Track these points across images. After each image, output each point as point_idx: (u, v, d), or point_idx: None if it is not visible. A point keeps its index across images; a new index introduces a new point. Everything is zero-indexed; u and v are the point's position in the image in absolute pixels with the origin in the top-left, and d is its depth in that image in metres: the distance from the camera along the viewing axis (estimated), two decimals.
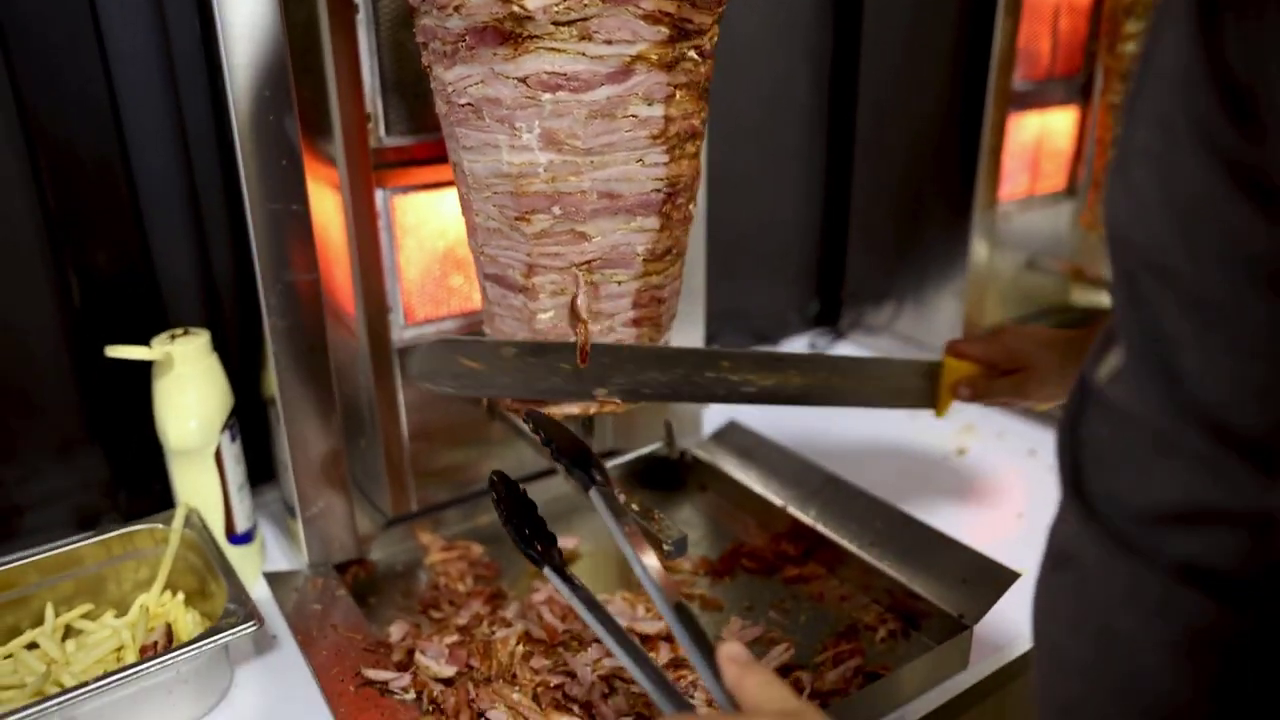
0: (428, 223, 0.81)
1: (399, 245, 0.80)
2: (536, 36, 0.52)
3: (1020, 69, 1.06)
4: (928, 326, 1.20)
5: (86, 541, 0.71)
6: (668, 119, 0.56)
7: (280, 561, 0.85)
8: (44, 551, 0.70)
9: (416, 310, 0.83)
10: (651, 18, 0.52)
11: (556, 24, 0.52)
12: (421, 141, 0.79)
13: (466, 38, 0.55)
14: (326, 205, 0.79)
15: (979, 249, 1.13)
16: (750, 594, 0.80)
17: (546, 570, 0.54)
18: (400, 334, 0.83)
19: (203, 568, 0.72)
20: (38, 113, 0.77)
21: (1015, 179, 1.16)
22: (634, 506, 0.66)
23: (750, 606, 0.78)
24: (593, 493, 0.56)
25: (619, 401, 0.64)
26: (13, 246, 0.78)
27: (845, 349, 1.32)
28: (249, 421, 0.84)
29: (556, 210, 0.58)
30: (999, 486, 0.96)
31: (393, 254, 0.80)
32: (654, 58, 0.54)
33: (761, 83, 1.22)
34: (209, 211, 0.87)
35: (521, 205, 0.58)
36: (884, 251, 1.25)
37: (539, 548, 0.55)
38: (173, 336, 0.76)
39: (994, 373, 0.71)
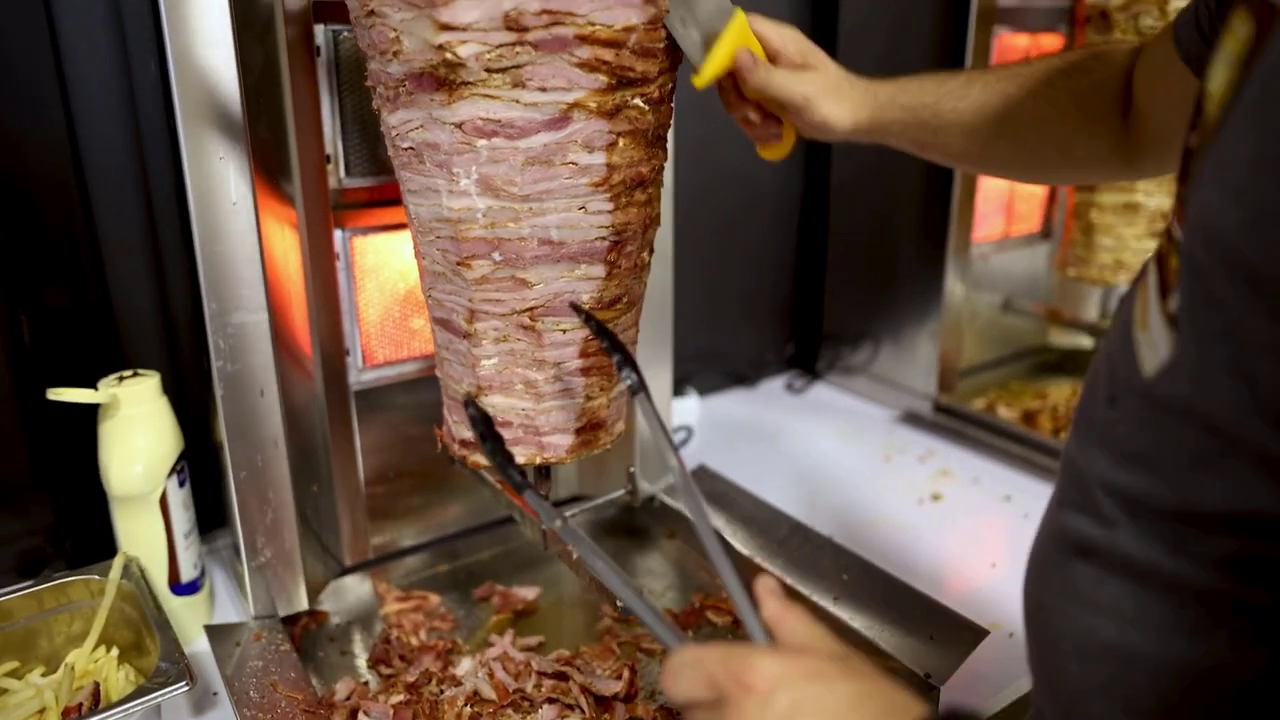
0: (389, 264, 0.80)
1: (359, 287, 0.79)
2: (470, 83, 0.51)
3: None
4: (905, 368, 1.18)
5: (16, 594, 0.68)
6: (610, 167, 0.55)
7: (230, 610, 0.82)
8: None
9: (376, 353, 0.82)
10: (588, 65, 0.51)
11: (490, 71, 0.51)
12: (384, 183, 0.78)
13: (406, 83, 0.54)
14: (284, 245, 0.78)
15: (955, 290, 1.11)
16: None
17: (527, 494, 0.51)
18: (359, 376, 0.81)
19: (139, 621, 0.69)
20: None
21: (990, 221, 1.15)
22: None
23: None
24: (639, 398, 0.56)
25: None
26: None
27: (821, 391, 1.30)
28: (204, 464, 0.82)
29: (497, 256, 0.56)
30: (973, 534, 0.94)
31: (352, 295, 0.78)
32: (593, 105, 0.53)
33: (739, 129, 1.22)
34: (167, 250, 0.86)
35: (462, 250, 0.57)
36: (860, 293, 1.24)
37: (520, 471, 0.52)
38: (121, 378, 0.74)
39: (779, 62, 0.64)
